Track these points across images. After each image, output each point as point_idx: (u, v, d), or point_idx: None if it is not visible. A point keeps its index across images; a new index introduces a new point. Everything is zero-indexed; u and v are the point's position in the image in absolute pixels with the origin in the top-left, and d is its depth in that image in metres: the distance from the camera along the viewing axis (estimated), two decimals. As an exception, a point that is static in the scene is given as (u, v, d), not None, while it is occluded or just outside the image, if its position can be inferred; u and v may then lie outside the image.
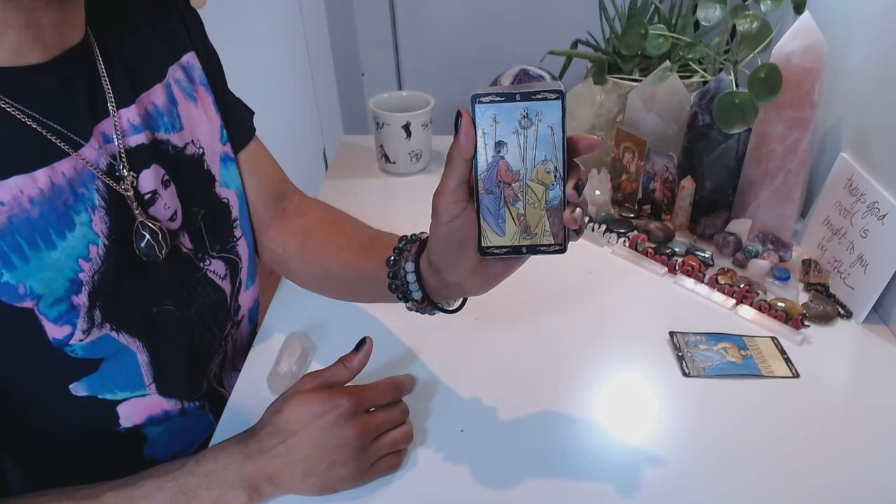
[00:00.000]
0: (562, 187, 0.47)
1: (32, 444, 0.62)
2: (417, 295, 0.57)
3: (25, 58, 0.50)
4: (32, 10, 0.48)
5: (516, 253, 0.50)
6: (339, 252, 0.69)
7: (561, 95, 0.45)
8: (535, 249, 0.49)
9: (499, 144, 0.46)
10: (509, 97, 0.45)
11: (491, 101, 0.45)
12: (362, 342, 0.59)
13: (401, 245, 0.60)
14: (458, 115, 0.46)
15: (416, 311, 0.60)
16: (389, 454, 0.59)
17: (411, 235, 0.60)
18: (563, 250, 0.49)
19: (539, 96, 0.45)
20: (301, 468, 0.55)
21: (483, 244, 0.49)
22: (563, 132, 0.46)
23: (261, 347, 0.76)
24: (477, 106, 0.46)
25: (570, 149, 0.47)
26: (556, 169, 0.46)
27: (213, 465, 0.54)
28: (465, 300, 0.61)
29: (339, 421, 0.55)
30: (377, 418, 0.58)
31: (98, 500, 0.51)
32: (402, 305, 0.61)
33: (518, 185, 0.47)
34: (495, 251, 0.50)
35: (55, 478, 0.54)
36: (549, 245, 0.49)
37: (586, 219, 0.94)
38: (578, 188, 0.47)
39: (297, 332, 0.76)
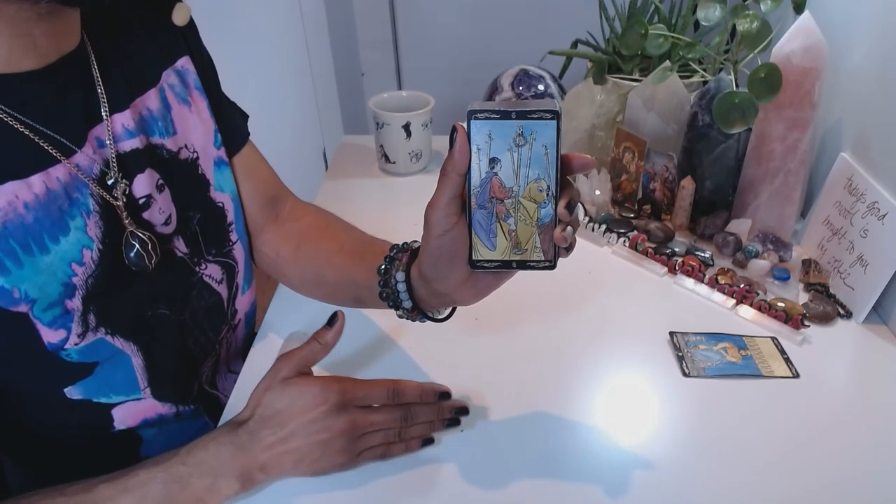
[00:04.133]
0: (554, 205, 0.48)
1: (30, 445, 0.63)
2: (408, 304, 0.58)
3: (19, 65, 0.49)
4: (22, 21, 0.48)
5: (506, 267, 0.50)
6: (331, 258, 0.69)
7: (556, 116, 0.45)
8: (524, 265, 0.50)
9: (493, 161, 0.47)
10: (505, 115, 0.45)
11: (487, 118, 0.46)
12: (334, 317, 0.58)
13: (392, 254, 0.60)
14: (454, 129, 0.46)
15: (407, 318, 0.61)
16: (379, 445, 0.59)
17: (403, 244, 0.61)
18: (552, 267, 0.50)
19: (535, 115, 0.45)
20: (291, 458, 0.55)
21: (473, 257, 0.50)
22: (558, 152, 0.46)
23: (259, 349, 0.76)
24: (473, 122, 0.46)
25: (564, 167, 0.47)
26: (548, 187, 0.47)
27: (204, 454, 0.54)
28: (454, 309, 0.62)
29: (328, 415, 0.55)
30: (369, 418, 0.58)
31: (91, 492, 0.51)
32: (397, 309, 0.61)
33: (510, 202, 0.48)
34: (485, 265, 0.50)
35: (55, 478, 0.54)
36: (539, 261, 0.50)
37: (586, 219, 0.94)
38: (570, 207, 0.48)
39: (297, 332, 0.76)
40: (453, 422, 0.62)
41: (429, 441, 0.61)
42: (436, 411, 0.61)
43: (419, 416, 0.60)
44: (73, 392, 0.57)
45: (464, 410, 0.63)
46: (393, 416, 0.59)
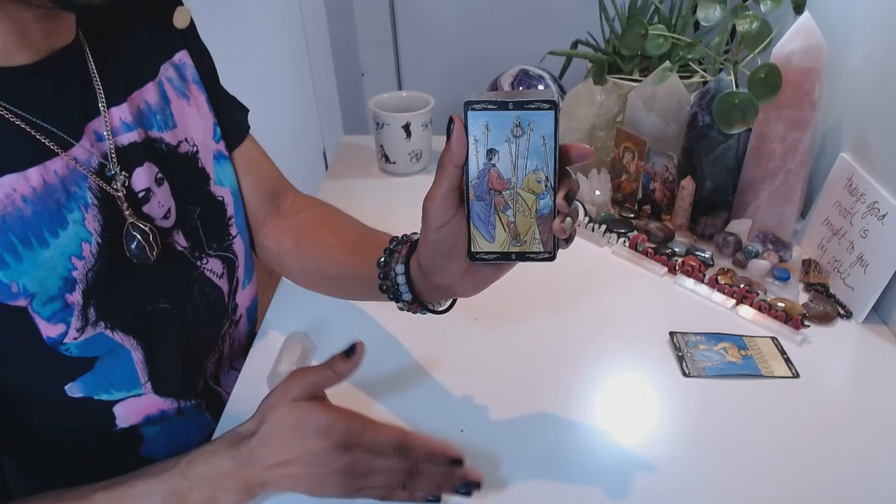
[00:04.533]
0: (552, 197, 0.47)
1: (31, 446, 0.62)
2: (407, 296, 0.58)
3: (13, 59, 0.50)
4: (20, 19, 0.48)
5: (505, 259, 0.50)
6: (331, 251, 0.69)
7: (554, 106, 0.45)
8: (524, 256, 0.49)
9: (490, 152, 0.46)
10: (502, 105, 0.45)
11: (483, 109, 0.45)
12: (353, 350, 0.55)
13: (391, 246, 0.60)
14: (451, 121, 0.46)
15: (407, 310, 0.60)
16: (380, 488, 0.55)
17: (402, 236, 0.60)
18: (552, 258, 0.49)
19: (532, 106, 0.45)
20: (290, 481, 0.53)
21: (472, 249, 0.50)
22: (556, 142, 0.46)
23: (260, 347, 0.76)
24: (469, 113, 0.46)
25: (562, 158, 0.47)
26: (547, 178, 0.47)
27: (205, 468, 0.53)
28: (454, 301, 0.62)
29: (330, 451, 0.52)
30: (371, 464, 0.53)
31: (88, 500, 0.51)
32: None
33: (509, 193, 0.47)
34: (484, 257, 0.50)
35: (54, 479, 0.54)
36: (539, 253, 0.49)
37: (586, 219, 0.94)
38: (569, 198, 0.47)
39: (297, 331, 0.76)
40: (464, 491, 0.55)
41: (435, 500, 0.55)
42: (445, 475, 0.55)
43: (424, 475, 0.54)
44: (73, 390, 0.57)
45: (476, 485, 0.55)
46: (397, 468, 0.54)
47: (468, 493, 0.55)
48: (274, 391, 0.55)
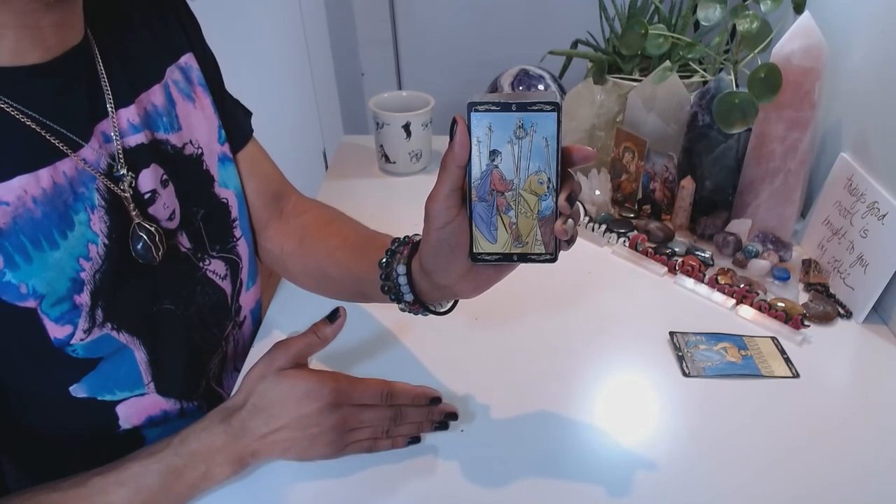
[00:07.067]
0: (554, 198, 0.47)
1: (33, 447, 0.62)
2: (409, 297, 0.58)
3: (25, 58, 0.50)
4: (30, 12, 0.48)
5: (507, 260, 0.50)
6: (333, 253, 0.70)
7: (557, 107, 0.45)
8: (525, 258, 0.50)
9: (493, 153, 0.47)
10: (505, 107, 0.45)
11: (487, 110, 0.46)
12: (336, 313, 0.60)
13: (393, 247, 0.60)
14: (454, 122, 0.46)
15: (409, 311, 0.61)
16: (366, 440, 0.61)
17: (404, 237, 0.61)
18: (553, 260, 0.49)
19: (535, 107, 0.45)
20: (281, 446, 0.57)
21: (474, 250, 0.50)
22: (558, 144, 0.46)
23: (261, 346, 0.76)
24: (473, 114, 0.46)
25: (565, 159, 0.47)
26: (549, 180, 0.47)
27: (197, 445, 0.55)
28: (455, 302, 0.62)
29: (321, 411, 0.57)
30: (359, 416, 0.59)
31: (85, 486, 0.52)
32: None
33: (511, 195, 0.48)
34: (486, 258, 0.50)
35: (54, 480, 0.55)
36: (540, 254, 0.49)
37: (586, 219, 0.94)
38: (571, 199, 0.48)
39: (297, 331, 0.76)
40: (442, 425, 0.63)
41: (415, 440, 0.62)
42: (426, 414, 0.62)
43: (409, 418, 0.62)
44: (78, 390, 0.57)
45: (453, 416, 0.64)
46: (383, 416, 0.60)
47: (445, 426, 0.63)
48: (259, 363, 0.58)
